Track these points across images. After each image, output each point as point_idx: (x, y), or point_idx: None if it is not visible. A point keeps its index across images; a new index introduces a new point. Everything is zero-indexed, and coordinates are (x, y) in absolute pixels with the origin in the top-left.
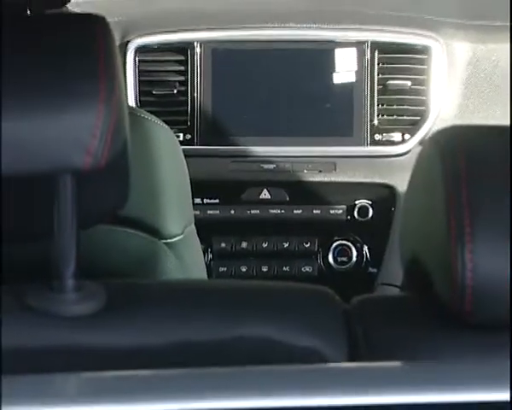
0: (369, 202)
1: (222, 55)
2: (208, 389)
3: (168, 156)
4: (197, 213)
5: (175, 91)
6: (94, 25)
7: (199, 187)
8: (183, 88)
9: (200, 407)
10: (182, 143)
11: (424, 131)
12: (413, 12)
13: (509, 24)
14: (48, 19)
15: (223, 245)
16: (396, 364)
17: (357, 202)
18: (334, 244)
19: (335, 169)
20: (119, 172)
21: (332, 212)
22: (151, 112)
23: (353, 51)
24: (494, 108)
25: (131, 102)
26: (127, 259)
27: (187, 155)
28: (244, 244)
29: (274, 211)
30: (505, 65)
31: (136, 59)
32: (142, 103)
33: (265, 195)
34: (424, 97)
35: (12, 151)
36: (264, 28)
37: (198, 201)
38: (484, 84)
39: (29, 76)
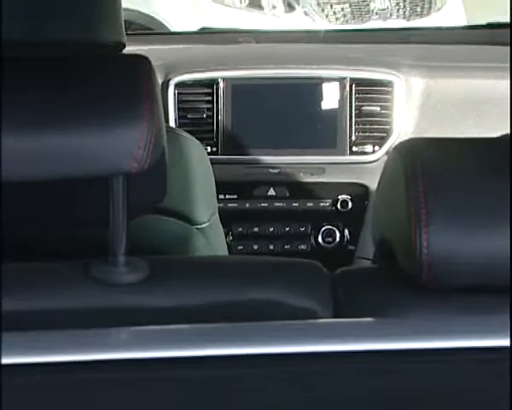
0: (349, 197)
1: (239, 88)
2: (227, 340)
3: (198, 163)
4: (220, 205)
5: (204, 116)
6: (140, 63)
7: (221, 186)
8: (209, 113)
9: (223, 353)
10: (209, 153)
11: (389, 145)
12: (381, 57)
13: (451, 64)
14: (108, 57)
15: (240, 230)
16: (370, 319)
17: (339, 197)
18: (323, 228)
19: (324, 172)
20: (158, 174)
21: (321, 204)
22: (187, 131)
23: (337, 85)
24: (442, 128)
25: (172, 123)
26: (166, 240)
27: (212, 162)
28: (256, 229)
29: (278, 204)
30: (449, 94)
31: (176, 92)
32: (180, 125)
33: (271, 192)
34: (389, 119)
35: (80, 159)
36: (270, 68)
37: (221, 196)
38: (433, 110)
39: (94, 101)
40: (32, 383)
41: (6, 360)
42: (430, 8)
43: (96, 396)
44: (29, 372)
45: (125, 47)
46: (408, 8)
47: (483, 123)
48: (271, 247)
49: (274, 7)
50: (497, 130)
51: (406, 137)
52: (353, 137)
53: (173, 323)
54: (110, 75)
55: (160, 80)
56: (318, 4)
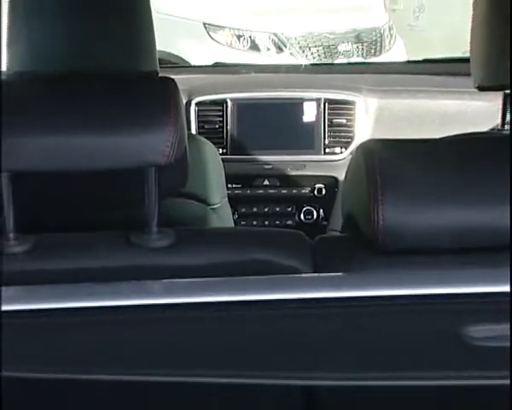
0: (323, 186)
1: (242, 106)
2: (231, 289)
3: (212, 160)
4: (228, 192)
5: (216, 126)
6: (168, 84)
7: (229, 178)
8: (220, 124)
9: (228, 299)
10: (220, 154)
11: (353, 147)
12: (346, 83)
13: (397, 88)
14: (146, 78)
15: (243, 210)
16: (341, 274)
17: (316, 185)
18: (304, 209)
19: (305, 167)
20: (181, 166)
21: (302, 191)
22: (204, 137)
23: (314, 104)
24: (391, 135)
25: (193, 131)
26: (188, 217)
27: (222, 160)
28: (254, 209)
29: (271, 191)
30: (396, 110)
31: (196, 109)
32: (199, 133)
33: (266, 182)
34: (352, 128)
35: (124, 154)
36: (264, 92)
37: (229, 185)
38: (385, 122)
39: (135, 111)
40: (88, 323)
41: (67, 305)
42: (381, 50)
43: (136, 333)
44: (88, 314)
45: (158, 75)
46: (365, 50)
47: (423, 131)
48: (266, 222)
49: (268, 49)
50: (434, 136)
51: None
52: (326, 142)
53: (192, 277)
54: (146, 92)
55: (184, 100)
56: (300, 47)
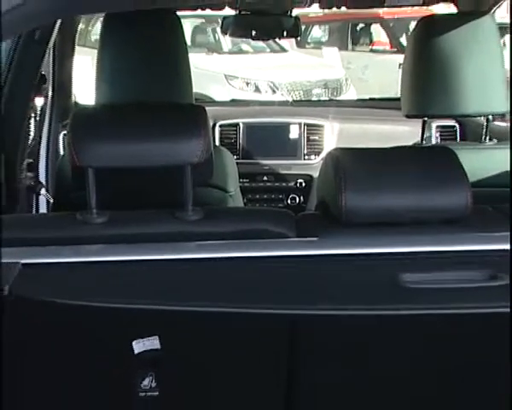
0: (303, 180)
1: (249, 127)
2: (238, 249)
3: (229, 162)
4: (240, 184)
5: (232, 141)
6: (200, 109)
7: (240, 175)
8: (235, 139)
9: (236, 255)
10: (235, 159)
11: (323, 155)
12: (318, 112)
13: (352, 117)
14: (183, 105)
15: (249, 196)
16: (315, 239)
17: (298, 180)
18: (290, 196)
19: (291, 169)
20: (208, 165)
21: (289, 184)
22: (225, 147)
23: (297, 126)
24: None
25: (217, 143)
26: (212, 200)
27: (236, 163)
28: (257, 196)
29: (268, 184)
30: (353, 131)
31: (219, 129)
32: (221, 144)
33: (265, 178)
34: (322, 143)
35: (170, 155)
36: (264, 118)
37: (240, 180)
38: (345, 139)
39: (178, 128)
40: (148, 270)
41: (132, 258)
42: (340, 92)
43: (177, 275)
44: (147, 264)
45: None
46: (330, 92)
47: (369, 145)
48: (265, 204)
49: (266, 91)
50: None
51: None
52: (305, 151)
53: (215, 240)
54: (186, 115)
55: (211, 123)
56: (287, 90)
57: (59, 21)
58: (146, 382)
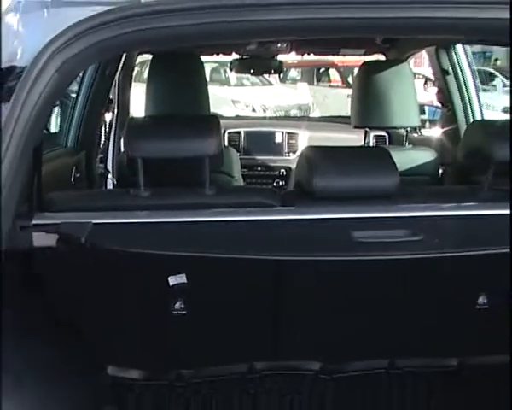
0: (285, 170)
1: (248, 134)
2: (241, 213)
3: (234, 157)
4: (242, 172)
5: (236, 143)
6: (215, 119)
7: (242, 166)
8: (238, 142)
9: (239, 218)
10: (238, 155)
11: (298, 152)
12: (294, 124)
13: (319, 125)
14: (203, 116)
15: (247, 181)
16: (294, 208)
17: (281, 170)
18: (275, 180)
19: (276, 162)
20: (219, 156)
21: (275, 173)
22: (231, 147)
23: (281, 134)
24: None
25: (226, 144)
26: (221, 183)
27: (241, 159)
28: (253, 181)
29: (261, 172)
30: (317, 138)
31: (227, 135)
32: (229, 144)
33: (258, 169)
34: (297, 145)
35: (196, 149)
36: (257, 127)
37: (242, 170)
38: (313, 143)
39: (197, 131)
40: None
41: (169, 219)
42: (309, 112)
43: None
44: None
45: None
46: (303, 112)
47: None
48: (258, 186)
49: (259, 111)
50: None
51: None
52: (286, 150)
53: (225, 208)
54: (205, 122)
55: (222, 130)
56: (274, 111)
57: (122, 62)
58: (177, 305)
